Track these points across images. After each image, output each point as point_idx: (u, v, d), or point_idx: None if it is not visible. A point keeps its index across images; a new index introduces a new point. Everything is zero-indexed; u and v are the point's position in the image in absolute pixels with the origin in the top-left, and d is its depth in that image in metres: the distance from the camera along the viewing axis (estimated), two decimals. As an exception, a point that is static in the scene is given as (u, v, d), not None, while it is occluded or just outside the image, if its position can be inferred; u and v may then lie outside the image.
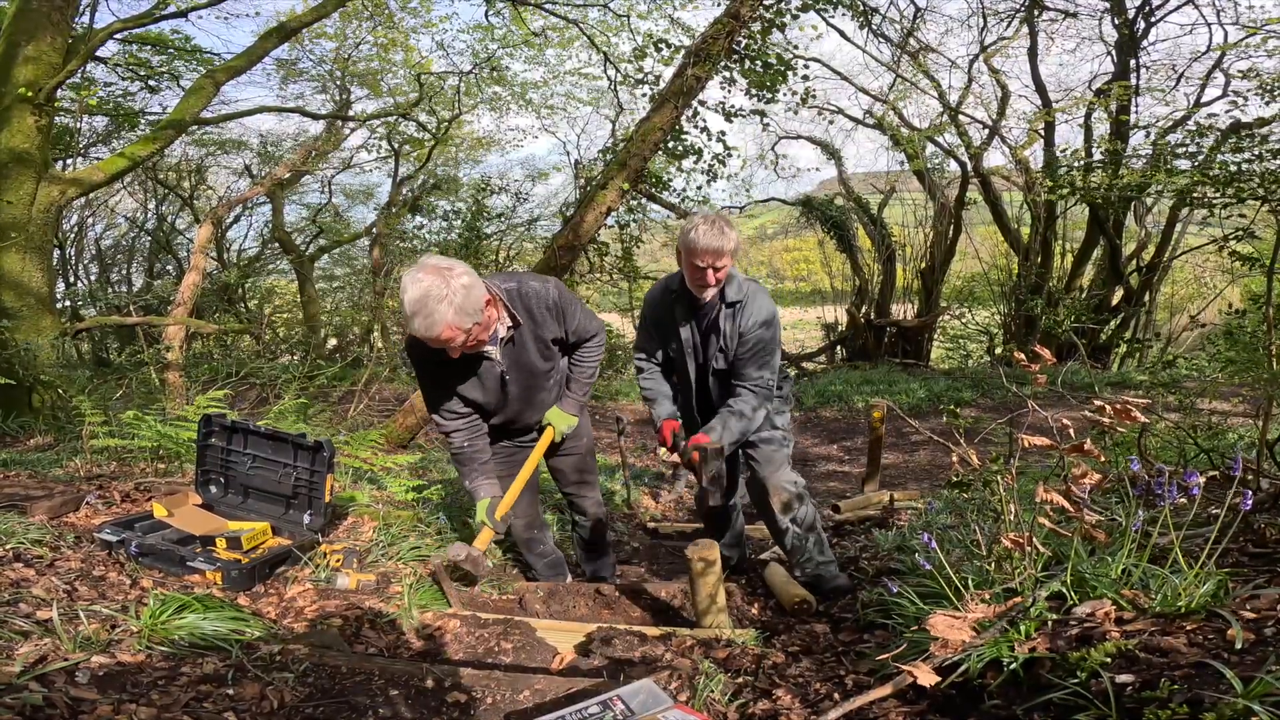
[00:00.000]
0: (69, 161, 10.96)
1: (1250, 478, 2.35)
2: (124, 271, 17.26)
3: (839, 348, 14.11)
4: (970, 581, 1.75)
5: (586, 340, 2.59)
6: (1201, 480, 1.60)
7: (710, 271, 2.44)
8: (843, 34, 11.94)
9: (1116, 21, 10.50)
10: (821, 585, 2.69)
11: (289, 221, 16.44)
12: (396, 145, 15.18)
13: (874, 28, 10.33)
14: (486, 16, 10.17)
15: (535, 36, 11.65)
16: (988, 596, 1.68)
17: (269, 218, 15.65)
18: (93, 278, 16.45)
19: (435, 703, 1.76)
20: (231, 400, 5.38)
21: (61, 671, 1.56)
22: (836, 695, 1.69)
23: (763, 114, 7.43)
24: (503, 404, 2.52)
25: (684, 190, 8.79)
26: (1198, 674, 1.21)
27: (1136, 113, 10.29)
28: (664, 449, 2.64)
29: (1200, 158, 7.35)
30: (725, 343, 2.59)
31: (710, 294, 2.52)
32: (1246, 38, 8.71)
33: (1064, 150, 10.81)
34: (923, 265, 13.53)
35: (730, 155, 7.44)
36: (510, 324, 2.35)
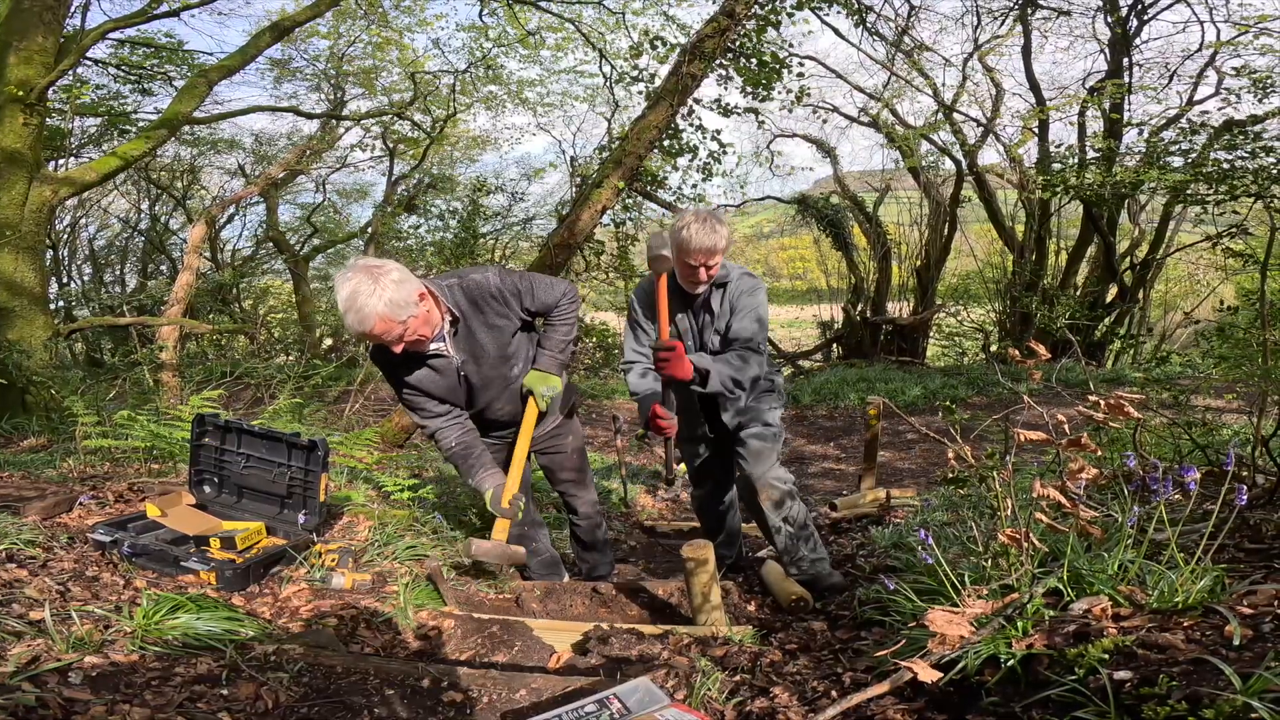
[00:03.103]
0: (61, 162, 10.90)
1: (1245, 473, 2.36)
2: (117, 272, 17.22)
3: (835, 346, 14.12)
4: (967, 578, 1.75)
5: (556, 306, 2.57)
6: (1197, 476, 1.61)
7: (703, 269, 2.48)
8: (837, 32, 11.93)
9: (1110, 20, 10.54)
10: (817, 584, 2.69)
11: (283, 221, 16.40)
12: (391, 144, 15.13)
13: (868, 26, 10.34)
14: (480, 16, 10.14)
15: (530, 35, 11.63)
16: (985, 593, 1.68)
17: (263, 217, 15.60)
18: (86, 278, 16.40)
19: (431, 702, 1.75)
20: (226, 400, 5.36)
21: (55, 672, 1.55)
22: (834, 693, 1.68)
23: (758, 112, 7.45)
24: (469, 396, 2.55)
25: (679, 188, 8.81)
26: (1196, 670, 1.21)
27: (1130, 110, 10.34)
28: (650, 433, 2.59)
29: (1193, 155, 7.39)
30: (718, 322, 2.63)
31: (702, 289, 2.59)
32: (1239, 35, 8.75)
33: (1058, 147, 10.85)
34: (918, 263, 13.55)
35: (725, 153, 7.45)
36: (452, 318, 2.38)
